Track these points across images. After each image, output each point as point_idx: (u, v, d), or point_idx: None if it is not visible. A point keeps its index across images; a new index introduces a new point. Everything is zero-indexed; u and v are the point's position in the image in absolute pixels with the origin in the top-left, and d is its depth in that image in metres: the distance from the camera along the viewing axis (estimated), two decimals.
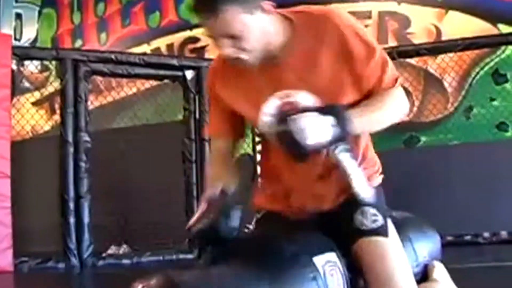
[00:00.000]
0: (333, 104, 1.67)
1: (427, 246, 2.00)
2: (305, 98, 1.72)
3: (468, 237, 4.79)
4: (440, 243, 2.09)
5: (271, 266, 1.59)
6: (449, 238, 4.53)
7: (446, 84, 5.97)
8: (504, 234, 4.77)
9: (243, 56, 1.69)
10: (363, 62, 1.72)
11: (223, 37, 1.67)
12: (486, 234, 4.79)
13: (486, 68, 5.91)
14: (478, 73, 5.93)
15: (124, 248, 5.18)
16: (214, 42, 1.70)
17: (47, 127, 6.72)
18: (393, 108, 1.78)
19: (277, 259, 1.60)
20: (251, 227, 1.94)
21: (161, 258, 4.81)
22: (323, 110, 1.61)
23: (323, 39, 1.73)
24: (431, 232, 2.09)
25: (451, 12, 6.13)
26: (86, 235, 4.68)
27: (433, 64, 5.88)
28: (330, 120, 1.60)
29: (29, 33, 7.88)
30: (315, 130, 1.58)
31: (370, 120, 1.73)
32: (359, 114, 1.68)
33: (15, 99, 5.02)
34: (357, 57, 1.71)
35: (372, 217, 1.73)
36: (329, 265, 1.64)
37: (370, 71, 1.73)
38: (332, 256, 1.67)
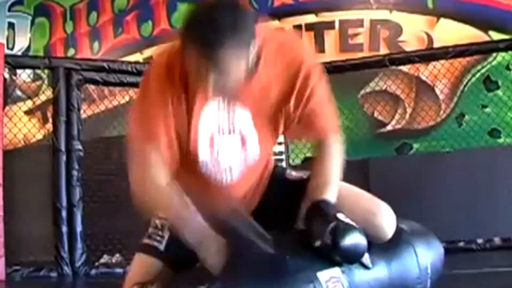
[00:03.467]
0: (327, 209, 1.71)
1: (430, 257, 1.99)
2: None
3: (461, 244, 4.79)
4: (442, 254, 2.08)
5: (274, 281, 1.59)
6: (442, 245, 4.53)
7: (438, 91, 6.00)
8: (497, 240, 4.77)
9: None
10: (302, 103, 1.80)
11: (214, 73, 1.59)
12: (480, 241, 4.80)
13: (477, 75, 5.94)
14: (469, 80, 5.96)
15: (117, 257, 5.15)
16: (196, 74, 1.62)
17: (39, 136, 6.69)
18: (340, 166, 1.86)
19: (281, 273, 1.59)
20: None
21: None
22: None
23: (282, 73, 1.77)
24: (435, 243, 2.08)
25: (442, 20, 6.16)
26: (79, 244, 4.66)
27: (425, 72, 5.90)
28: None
29: (21, 42, 7.86)
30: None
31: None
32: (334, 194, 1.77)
33: (7, 108, 5.01)
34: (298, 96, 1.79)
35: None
36: (333, 281, 1.64)
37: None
38: (336, 272, 1.66)
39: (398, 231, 1.90)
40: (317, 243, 1.62)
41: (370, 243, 1.68)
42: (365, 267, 1.71)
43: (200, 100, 1.75)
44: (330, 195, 1.74)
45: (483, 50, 5.54)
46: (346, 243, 1.61)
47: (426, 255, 1.95)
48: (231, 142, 1.80)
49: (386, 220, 1.81)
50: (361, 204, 1.80)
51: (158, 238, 1.85)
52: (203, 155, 1.79)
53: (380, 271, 1.79)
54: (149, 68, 1.84)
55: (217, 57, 1.55)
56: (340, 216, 1.66)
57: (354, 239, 1.62)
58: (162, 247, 1.84)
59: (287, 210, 1.85)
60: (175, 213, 1.72)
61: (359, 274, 1.71)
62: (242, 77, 1.64)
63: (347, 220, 1.65)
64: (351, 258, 1.66)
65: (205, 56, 1.56)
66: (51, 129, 4.96)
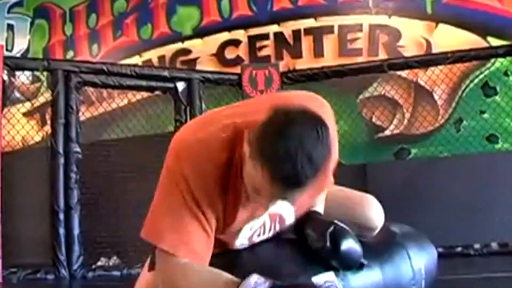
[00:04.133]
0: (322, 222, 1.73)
1: (423, 259, 2.00)
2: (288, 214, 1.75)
3: (458, 249, 4.80)
4: (436, 257, 2.09)
5: None
6: (440, 250, 4.51)
7: (436, 97, 6.00)
8: (494, 245, 4.78)
9: None
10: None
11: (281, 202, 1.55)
12: (477, 246, 4.80)
13: (476, 81, 5.95)
14: (468, 85, 5.96)
15: (114, 260, 5.15)
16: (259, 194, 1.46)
17: (37, 138, 6.69)
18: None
19: (276, 279, 1.59)
20: None
21: None
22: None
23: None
24: (428, 245, 2.09)
25: (441, 25, 6.17)
26: (76, 247, 4.65)
27: (423, 77, 5.91)
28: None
29: (20, 44, 7.85)
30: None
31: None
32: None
33: (5, 110, 5.01)
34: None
35: None
36: (327, 285, 1.65)
37: None
38: (330, 276, 1.67)
39: (391, 234, 1.92)
40: (317, 245, 1.64)
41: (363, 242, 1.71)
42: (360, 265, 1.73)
43: (247, 211, 1.63)
44: (319, 209, 1.81)
45: (482, 56, 5.56)
46: (345, 246, 1.63)
47: (419, 258, 1.97)
48: (269, 234, 1.77)
49: (375, 212, 1.89)
50: (351, 199, 1.88)
51: None
52: (236, 246, 1.74)
53: (374, 274, 1.80)
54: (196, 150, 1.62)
55: (293, 196, 1.44)
56: (337, 221, 1.69)
57: (352, 244, 1.64)
58: None
59: None
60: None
61: (354, 279, 1.72)
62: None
63: (344, 225, 1.67)
64: (348, 261, 1.67)
65: (281, 195, 1.44)
66: (49, 132, 4.96)
